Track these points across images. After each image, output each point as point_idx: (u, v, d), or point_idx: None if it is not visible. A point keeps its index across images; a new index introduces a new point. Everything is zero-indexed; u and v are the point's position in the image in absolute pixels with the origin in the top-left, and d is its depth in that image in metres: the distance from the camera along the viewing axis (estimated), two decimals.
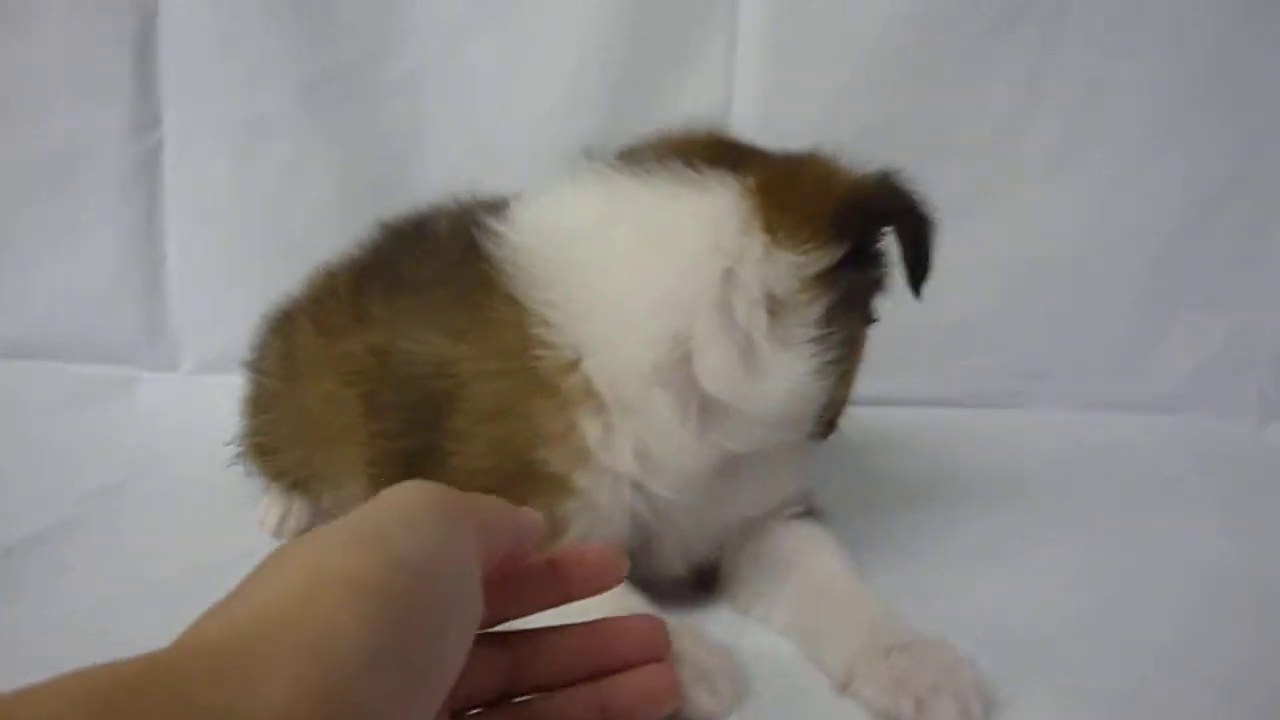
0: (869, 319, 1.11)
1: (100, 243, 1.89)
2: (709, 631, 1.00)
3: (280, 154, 1.84)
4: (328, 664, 0.53)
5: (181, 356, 1.93)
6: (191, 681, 0.49)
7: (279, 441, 1.34)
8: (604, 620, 0.83)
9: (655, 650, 0.83)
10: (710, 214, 0.99)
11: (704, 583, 1.16)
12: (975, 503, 1.51)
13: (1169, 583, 1.25)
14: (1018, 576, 1.25)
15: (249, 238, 1.88)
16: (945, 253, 1.69)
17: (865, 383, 1.15)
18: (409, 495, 0.70)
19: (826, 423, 1.10)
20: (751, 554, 1.11)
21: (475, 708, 0.79)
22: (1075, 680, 1.00)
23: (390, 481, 0.72)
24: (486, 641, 0.77)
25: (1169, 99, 1.82)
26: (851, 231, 0.99)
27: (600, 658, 0.81)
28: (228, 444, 1.46)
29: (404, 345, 1.06)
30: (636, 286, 0.99)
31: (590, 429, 0.99)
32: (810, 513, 1.18)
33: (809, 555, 1.11)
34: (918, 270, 1.03)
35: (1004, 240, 1.83)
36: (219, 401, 1.74)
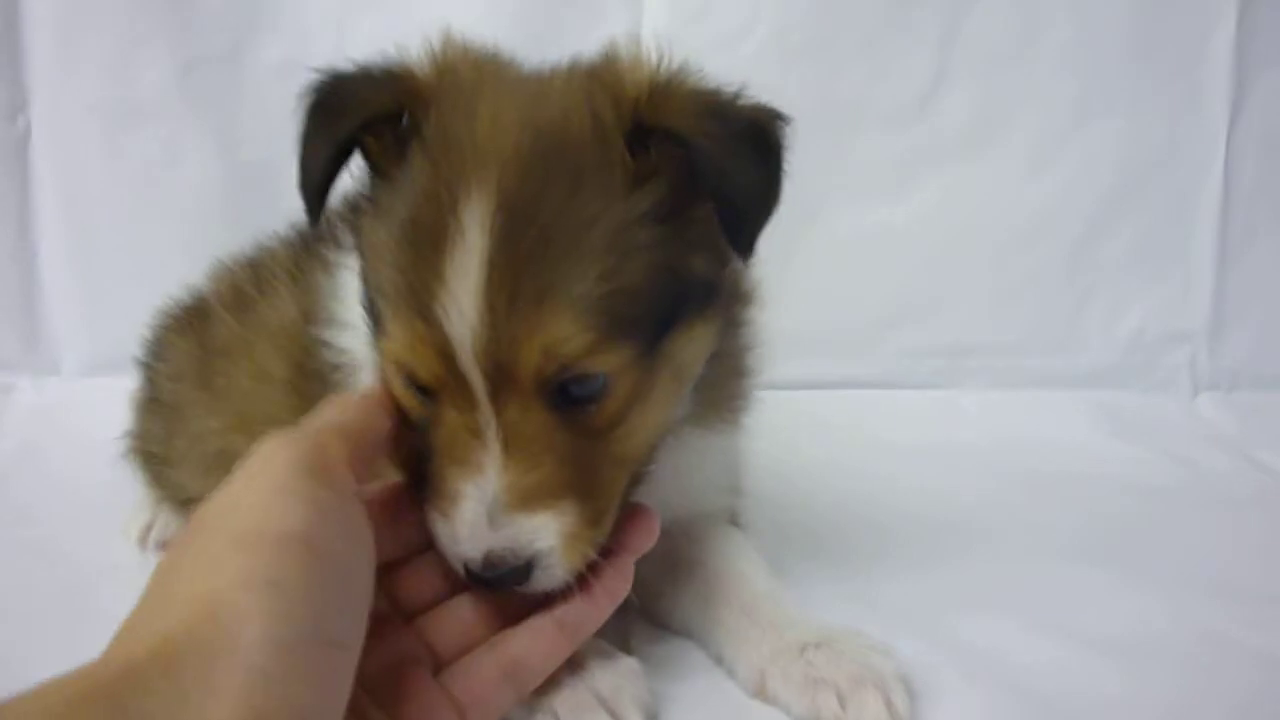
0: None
1: None
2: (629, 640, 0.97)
3: (156, 140, 1.76)
4: (249, 672, 0.58)
5: (62, 359, 1.84)
6: (131, 697, 0.55)
7: (171, 455, 1.27)
8: None
9: None
10: None
11: None
12: (905, 482, 1.48)
13: (1100, 564, 1.21)
14: (947, 555, 1.23)
15: (126, 228, 1.79)
16: (868, 233, 1.65)
17: (792, 366, 1.11)
18: (274, 459, 0.73)
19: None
20: (657, 555, 1.04)
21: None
22: (1002, 662, 0.97)
23: None
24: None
25: (1091, 69, 1.80)
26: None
27: None
28: (118, 438, 1.38)
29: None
30: None
31: None
32: (731, 522, 1.12)
33: (717, 556, 1.05)
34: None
35: (926, 218, 1.78)
36: (103, 405, 1.68)
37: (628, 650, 0.93)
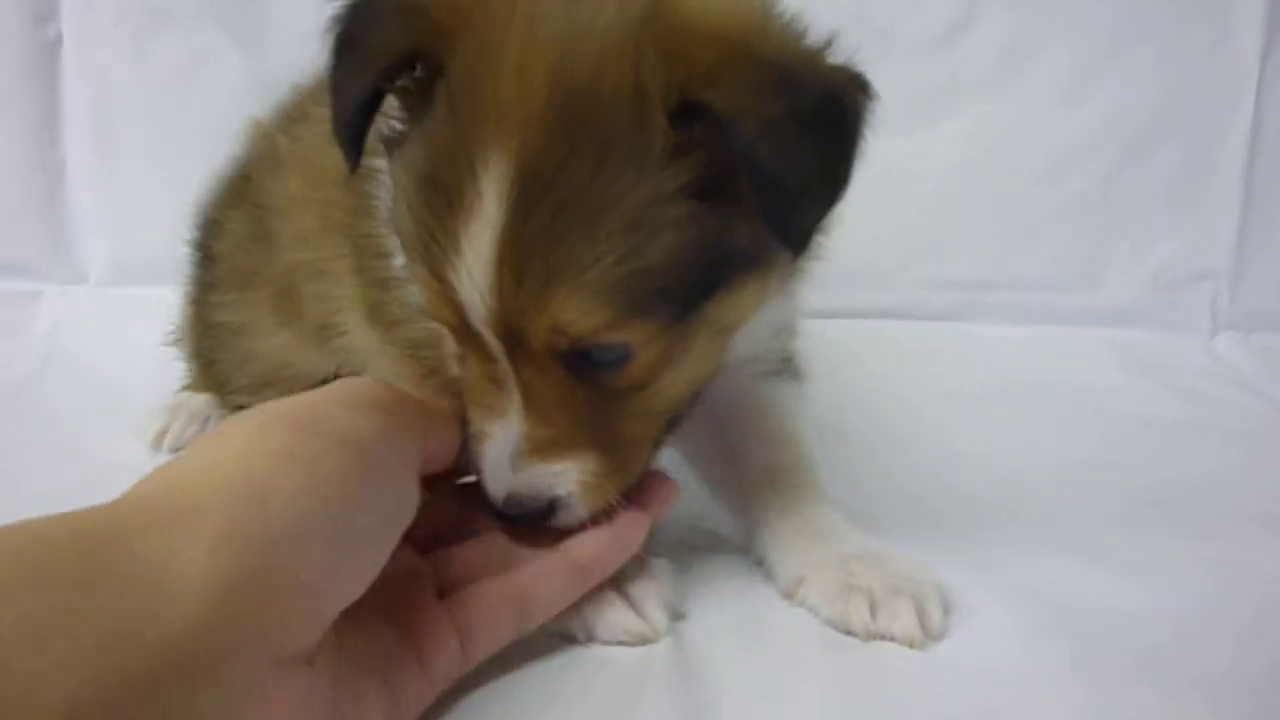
0: None
1: None
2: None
3: (183, 47, 1.76)
4: (257, 526, 0.59)
5: (89, 267, 1.85)
6: (116, 541, 0.55)
7: (227, 346, 1.32)
8: None
9: None
10: None
11: None
12: (921, 414, 1.49)
13: (1119, 496, 1.22)
14: (966, 486, 1.23)
15: (153, 136, 1.79)
16: (891, 163, 1.63)
17: (812, 296, 1.08)
18: (359, 387, 0.76)
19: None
20: (719, 403, 1.02)
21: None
22: (1029, 583, 0.97)
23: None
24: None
25: (1122, 6, 1.79)
26: None
27: None
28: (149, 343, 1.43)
29: None
30: None
31: None
32: (789, 371, 1.08)
33: (771, 440, 1.03)
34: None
35: (953, 149, 1.79)
36: (128, 313, 1.73)
37: (657, 551, 0.93)
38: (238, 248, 1.31)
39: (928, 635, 0.87)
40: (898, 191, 1.73)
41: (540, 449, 0.82)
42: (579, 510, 0.84)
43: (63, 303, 1.80)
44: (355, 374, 1.12)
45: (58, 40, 1.77)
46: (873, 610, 0.88)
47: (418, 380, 0.98)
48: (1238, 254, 1.86)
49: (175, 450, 1.32)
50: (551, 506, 0.83)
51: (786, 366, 1.08)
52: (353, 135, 0.81)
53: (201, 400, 1.40)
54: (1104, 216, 1.85)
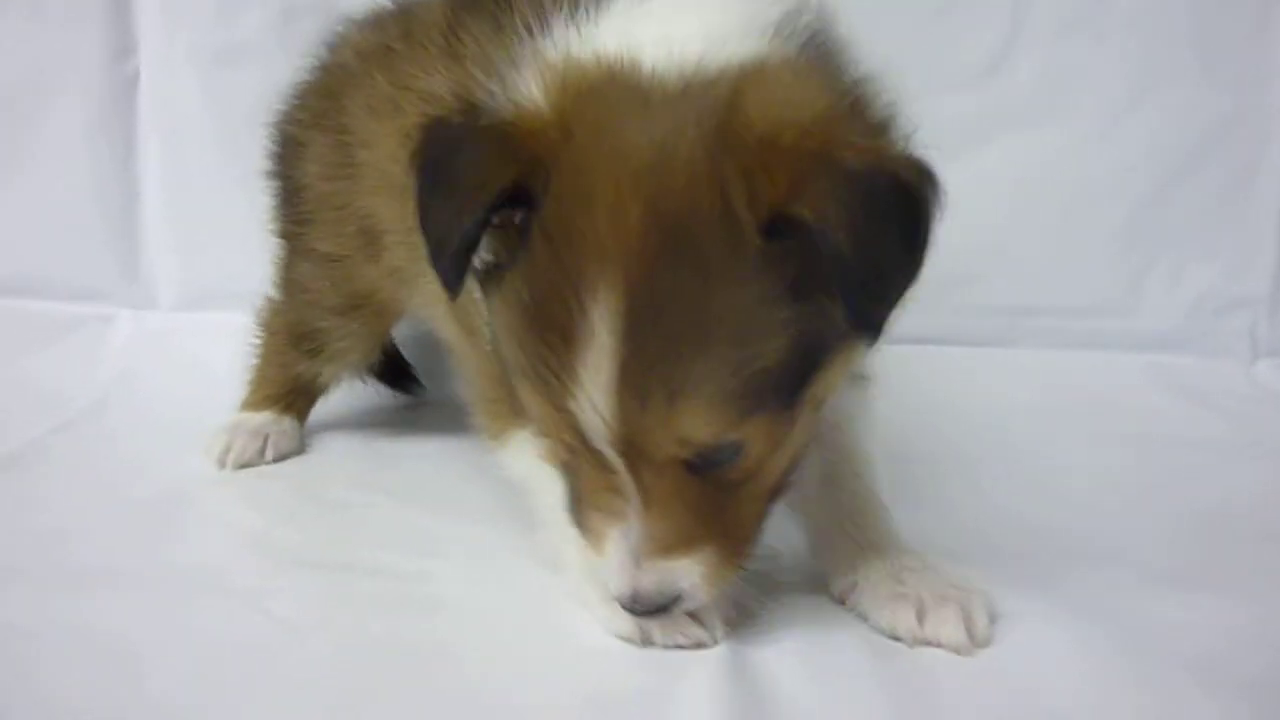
0: None
1: (74, 176, 1.87)
2: None
3: (253, 83, 1.79)
4: None
5: (159, 293, 1.92)
6: None
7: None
8: None
9: None
10: None
11: None
12: (963, 438, 1.53)
13: (1164, 515, 1.26)
14: (1009, 508, 1.27)
15: (222, 169, 1.84)
16: None
17: None
18: None
19: None
20: None
21: None
22: (1079, 596, 1.00)
23: None
24: None
25: (1161, 36, 1.83)
26: None
27: None
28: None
29: None
30: None
31: None
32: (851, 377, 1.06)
33: (835, 448, 1.05)
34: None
35: (993, 179, 1.81)
36: (196, 337, 1.82)
37: None
38: (323, 176, 1.37)
39: (974, 642, 0.90)
40: (944, 217, 1.75)
41: (664, 547, 0.85)
42: (701, 598, 0.88)
43: (135, 326, 1.88)
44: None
45: (135, 75, 1.85)
46: (920, 617, 0.92)
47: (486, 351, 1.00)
48: (1275, 282, 1.88)
49: (240, 468, 1.40)
50: (676, 600, 0.87)
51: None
52: (459, 271, 0.83)
53: (260, 418, 1.48)
54: (1143, 244, 1.89)
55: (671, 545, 0.85)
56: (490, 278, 0.86)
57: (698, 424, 0.80)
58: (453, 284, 0.83)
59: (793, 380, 0.83)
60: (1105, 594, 1.02)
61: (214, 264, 1.86)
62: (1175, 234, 1.89)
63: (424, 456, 1.47)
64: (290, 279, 1.49)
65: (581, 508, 0.90)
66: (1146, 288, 1.90)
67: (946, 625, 0.91)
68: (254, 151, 1.79)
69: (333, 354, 1.48)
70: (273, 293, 1.52)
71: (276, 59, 1.76)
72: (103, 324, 1.87)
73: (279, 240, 1.50)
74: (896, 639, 0.92)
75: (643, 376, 0.78)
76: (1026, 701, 0.84)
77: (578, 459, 0.88)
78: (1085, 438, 1.57)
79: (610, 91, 0.83)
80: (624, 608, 0.88)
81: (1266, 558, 1.13)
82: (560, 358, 0.79)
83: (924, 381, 1.73)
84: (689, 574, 0.86)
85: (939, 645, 0.91)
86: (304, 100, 1.44)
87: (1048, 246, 1.88)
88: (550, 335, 0.80)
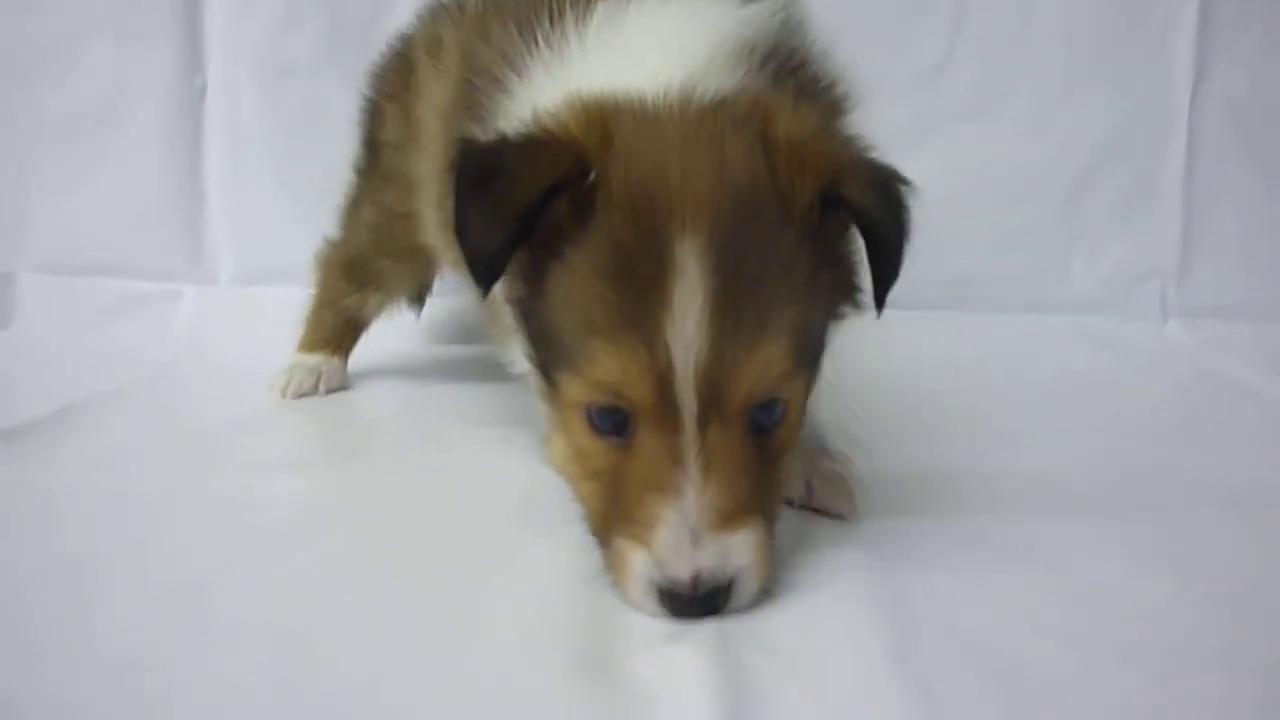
0: None
1: (147, 175, 2.06)
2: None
3: (306, 95, 2.02)
4: None
5: (220, 271, 2.10)
6: None
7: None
8: None
9: None
10: None
11: None
12: (916, 390, 1.68)
13: (1089, 451, 1.40)
14: (950, 460, 1.34)
15: (277, 169, 2.05)
16: None
17: None
18: None
19: None
20: None
21: None
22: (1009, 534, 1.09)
23: None
24: None
25: (1082, 45, 2.06)
26: None
27: None
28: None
29: None
30: None
31: None
32: None
33: None
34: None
35: (937, 172, 1.90)
36: (251, 309, 1.99)
37: None
38: (397, 148, 1.46)
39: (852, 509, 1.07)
40: None
41: (723, 518, 0.84)
42: (752, 586, 0.87)
43: (199, 300, 2.05)
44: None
45: (203, 88, 2.04)
46: (808, 489, 1.08)
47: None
48: (1182, 254, 2.09)
49: (298, 397, 1.60)
50: (731, 584, 0.85)
51: None
52: (494, 274, 0.89)
53: (314, 359, 1.67)
54: (1070, 223, 2.09)
55: (730, 515, 0.84)
56: (540, 256, 0.89)
57: (779, 354, 0.85)
58: (486, 285, 0.89)
59: (818, 346, 0.94)
60: (1033, 525, 1.11)
61: (265, 247, 2.04)
62: (1097, 214, 2.09)
63: (453, 397, 1.65)
64: (357, 220, 1.59)
65: (631, 497, 0.87)
66: (1074, 260, 2.10)
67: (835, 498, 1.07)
68: (301, 154, 2.01)
69: (381, 288, 1.62)
70: (334, 233, 1.65)
71: (326, 74, 1.99)
72: (172, 299, 2.05)
73: (354, 182, 1.60)
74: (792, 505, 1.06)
75: (733, 306, 0.83)
76: (1024, 687, 0.80)
77: (636, 431, 0.87)
78: (1021, 387, 1.74)
79: (631, 107, 0.91)
80: (676, 602, 0.85)
81: (1176, 484, 1.26)
82: (650, 295, 0.82)
83: (883, 340, 1.94)
84: (747, 546, 0.85)
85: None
86: (383, 72, 1.55)
87: (989, 225, 2.06)
88: (637, 279, 0.83)
